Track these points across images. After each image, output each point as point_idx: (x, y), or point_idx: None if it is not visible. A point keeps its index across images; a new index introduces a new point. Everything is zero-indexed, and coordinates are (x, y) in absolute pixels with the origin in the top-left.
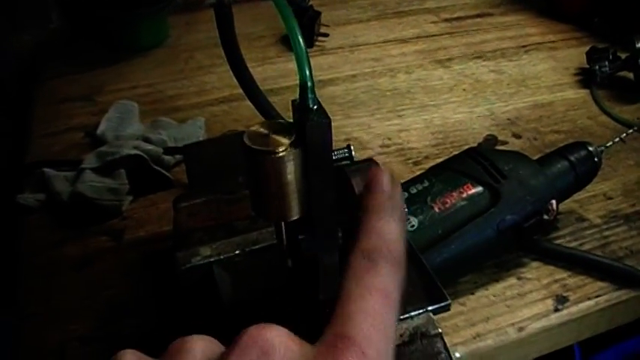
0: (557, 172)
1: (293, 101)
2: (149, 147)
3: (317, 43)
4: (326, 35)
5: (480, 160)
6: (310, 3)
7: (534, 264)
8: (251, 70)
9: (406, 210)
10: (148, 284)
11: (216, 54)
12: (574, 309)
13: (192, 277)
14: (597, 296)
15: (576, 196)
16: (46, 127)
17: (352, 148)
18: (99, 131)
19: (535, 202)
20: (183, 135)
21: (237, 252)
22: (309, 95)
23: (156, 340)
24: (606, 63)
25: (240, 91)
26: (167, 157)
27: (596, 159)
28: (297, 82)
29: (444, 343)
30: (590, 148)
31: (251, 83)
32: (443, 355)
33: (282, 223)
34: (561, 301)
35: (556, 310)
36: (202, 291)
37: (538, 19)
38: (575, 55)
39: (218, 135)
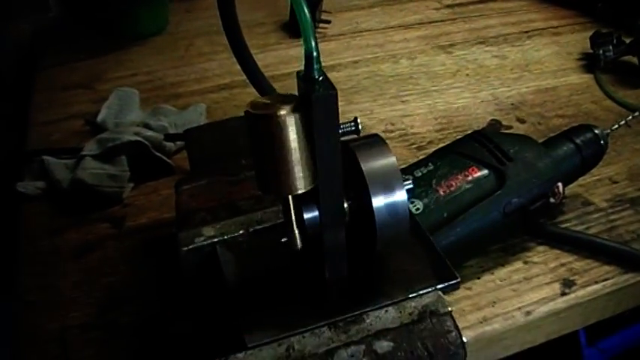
0: (563, 155)
1: (298, 72)
2: (150, 133)
3: (319, 29)
4: (328, 22)
5: (484, 143)
6: None
7: (540, 248)
8: (255, 56)
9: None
10: (149, 271)
11: (216, 41)
12: (581, 292)
13: (195, 258)
14: (604, 280)
15: (581, 181)
16: (46, 115)
17: (359, 121)
18: (99, 119)
19: (541, 184)
20: (184, 121)
21: (241, 232)
22: (315, 65)
23: (157, 327)
24: (610, 47)
25: (242, 77)
26: (168, 144)
27: (602, 142)
28: (300, 65)
29: (454, 322)
30: (596, 131)
31: (253, 66)
32: (453, 334)
33: (289, 197)
34: (568, 284)
35: (563, 294)
36: (205, 272)
37: (541, 4)
38: (579, 40)
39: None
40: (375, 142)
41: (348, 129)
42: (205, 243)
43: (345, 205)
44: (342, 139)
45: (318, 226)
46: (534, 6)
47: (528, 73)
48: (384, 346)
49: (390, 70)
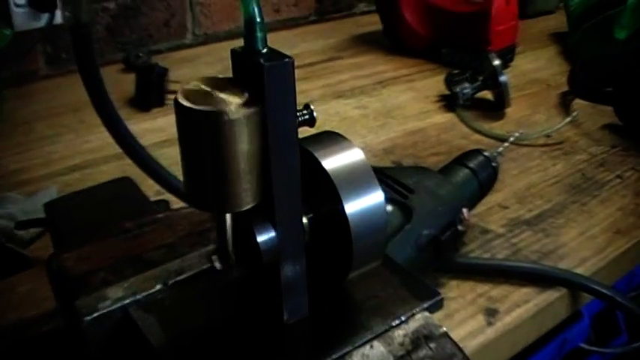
0: (461, 181)
1: (233, 50)
2: None
3: (168, 101)
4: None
5: (381, 179)
6: (155, 62)
7: (453, 282)
8: (104, 134)
9: None
10: None
11: (58, 123)
12: (507, 319)
13: (102, 329)
14: (526, 302)
15: (474, 210)
16: None
17: (313, 107)
18: None
19: (448, 212)
20: (35, 207)
21: (158, 287)
22: (258, 34)
23: None
24: (466, 85)
25: (93, 156)
26: (20, 233)
27: (493, 164)
28: (156, 137)
29: (455, 343)
30: (486, 154)
31: (123, 128)
32: (460, 357)
33: (227, 216)
34: (492, 313)
35: (489, 323)
36: (119, 345)
37: (387, 57)
38: (432, 84)
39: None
40: (333, 138)
41: (300, 118)
42: (114, 307)
43: (304, 220)
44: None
45: (275, 250)
46: (381, 59)
47: (392, 119)
48: None
49: None
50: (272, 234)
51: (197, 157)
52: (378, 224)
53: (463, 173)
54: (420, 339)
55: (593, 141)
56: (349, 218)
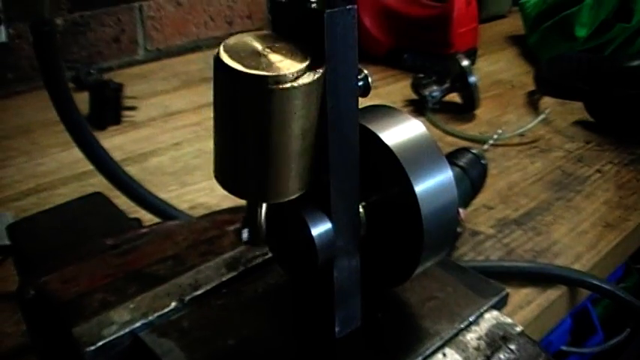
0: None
1: (274, 1)
2: None
3: (125, 118)
4: (134, 108)
5: None
6: (108, 78)
7: None
8: (59, 155)
9: None
10: None
11: (7, 147)
12: None
13: None
14: (528, 303)
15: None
16: None
17: (368, 73)
18: None
19: None
20: None
21: (172, 305)
22: None
23: None
24: (435, 88)
25: (49, 178)
26: None
27: (482, 161)
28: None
29: (535, 342)
30: (474, 151)
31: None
32: (544, 356)
33: (264, 205)
34: None
35: None
36: None
37: None
38: (397, 90)
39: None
40: (385, 111)
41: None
42: (121, 333)
43: (360, 209)
44: None
45: (331, 247)
46: None
47: None
48: None
49: None
50: (328, 226)
51: (238, 132)
52: (448, 205)
53: (454, 172)
54: (497, 341)
55: (566, 138)
56: (419, 199)
